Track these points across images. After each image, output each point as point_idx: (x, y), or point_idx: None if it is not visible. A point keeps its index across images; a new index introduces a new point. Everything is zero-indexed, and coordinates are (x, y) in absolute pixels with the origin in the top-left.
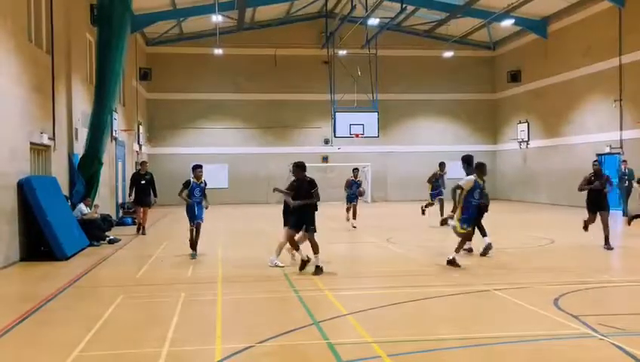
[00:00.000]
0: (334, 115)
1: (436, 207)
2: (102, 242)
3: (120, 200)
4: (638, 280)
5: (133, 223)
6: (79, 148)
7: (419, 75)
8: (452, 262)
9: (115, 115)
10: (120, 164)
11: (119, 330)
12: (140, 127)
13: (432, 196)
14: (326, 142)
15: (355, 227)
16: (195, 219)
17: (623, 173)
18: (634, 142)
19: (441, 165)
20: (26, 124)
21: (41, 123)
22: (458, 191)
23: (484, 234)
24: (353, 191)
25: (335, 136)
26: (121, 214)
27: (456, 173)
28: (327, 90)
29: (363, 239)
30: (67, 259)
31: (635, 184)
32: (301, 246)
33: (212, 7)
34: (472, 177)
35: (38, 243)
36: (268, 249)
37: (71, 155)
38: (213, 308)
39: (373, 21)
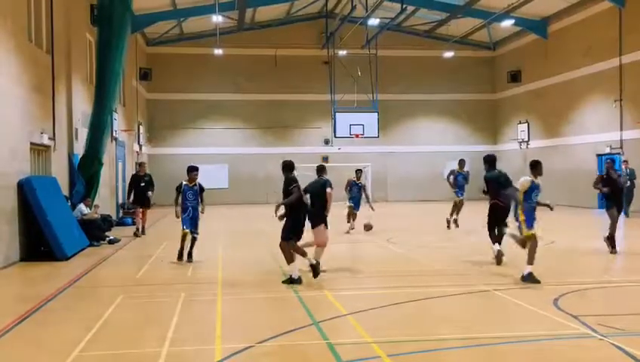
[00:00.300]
0: (334, 115)
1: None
2: (102, 242)
3: (120, 201)
4: (638, 281)
5: (133, 223)
6: (79, 149)
7: (419, 75)
8: (529, 278)
9: (115, 115)
10: (120, 164)
11: (119, 330)
12: (140, 127)
13: (457, 194)
14: (326, 142)
15: (353, 228)
16: (190, 226)
17: (624, 173)
18: (634, 143)
19: (461, 162)
20: (26, 124)
21: (41, 123)
22: (516, 194)
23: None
24: (354, 195)
25: (335, 137)
26: (121, 214)
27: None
28: (328, 90)
29: (363, 239)
30: (67, 259)
31: None
32: (308, 251)
33: (212, 7)
34: (527, 178)
35: (38, 244)
36: (268, 249)
37: (71, 155)
38: (213, 308)
39: (374, 21)
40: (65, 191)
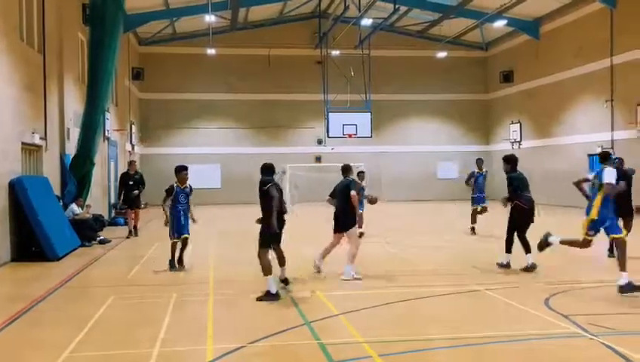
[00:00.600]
0: (327, 115)
1: (483, 215)
2: (93, 242)
3: (112, 201)
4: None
5: (126, 223)
6: (71, 148)
7: (412, 75)
8: (629, 287)
9: (107, 115)
10: (112, 164)
11: (110, 331)
12: (133, 126)
13: (475, 201)
14: (319, 142)
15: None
16: (181, 231)
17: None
18: (625, 143)
19: (479, 162)
20: (18, 123)
21: (32, 123)
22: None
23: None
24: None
25: (328, 137)
26: (113, 214)
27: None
28: (321, 90)
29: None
30: (58, 259)
31: None
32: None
33: (205, 7)
34: (613, 169)
35: (30, 244)
36: None
37: (63, 155)
38: (204, 308)
39: (367, 21)
40: (57, 191)
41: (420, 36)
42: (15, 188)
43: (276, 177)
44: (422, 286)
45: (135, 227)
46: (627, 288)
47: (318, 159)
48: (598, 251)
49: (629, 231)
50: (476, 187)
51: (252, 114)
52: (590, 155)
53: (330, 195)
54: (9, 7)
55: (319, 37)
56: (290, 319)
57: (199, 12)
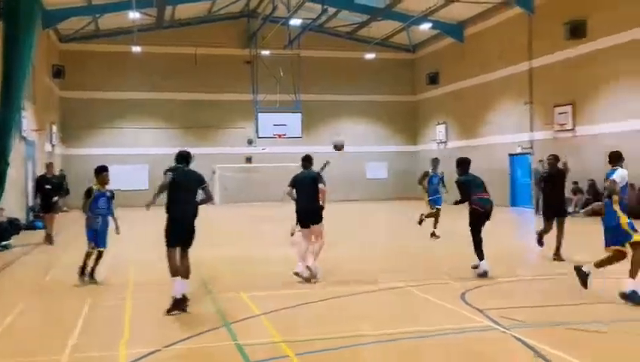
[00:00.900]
0: (257, 116)
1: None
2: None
3: (30, 203)
4: (544, 274)
5: (44, 227)
6: None
7: (341, 76)
8: (636, 297)
9: (23, 114)
10: (30, 164)
11: (21, 338)
12: (53, 126)
13: (432, 202)
14: (250, 142)
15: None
16: (97, 242)
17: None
18: (543, 143)
19: (434, 162)
20: None
21: None
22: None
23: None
24: None
25: (258, 137)
26: (31, 218)
27: (378, 174)
28: (250, 90)
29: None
30: None
31: None
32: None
33: (129, 3)
34: (625, 170)
35: None
36: None
37: None
38: (121, 312)
39: (296, 22)
40: None
41: (349, 37)
42: None
43: (192, 166)
44: (345, 284)
45: (49, 234)
46: (634, 298)
47: (249, 160)
48: (524, 247)
49: (562, 232)
50: (430, 188)
51: (180, 113)
52: (511, 155)
53: (289, 185)
54: None
55: (248, 37)
56: (209, 320)
57: (123, 9)
